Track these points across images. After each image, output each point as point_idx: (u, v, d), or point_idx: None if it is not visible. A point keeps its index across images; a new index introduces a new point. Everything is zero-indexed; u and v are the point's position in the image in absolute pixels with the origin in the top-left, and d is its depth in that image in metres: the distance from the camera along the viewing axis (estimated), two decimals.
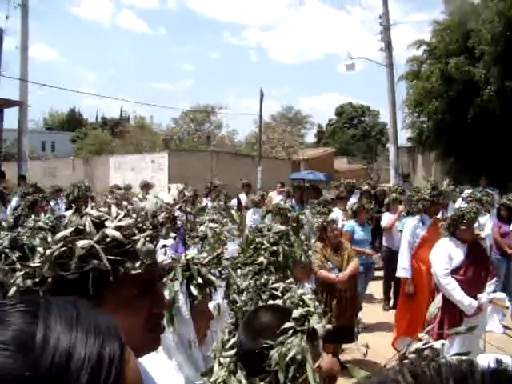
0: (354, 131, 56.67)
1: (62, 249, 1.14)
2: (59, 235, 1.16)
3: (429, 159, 21.70)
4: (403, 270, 6.14)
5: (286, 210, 5.83)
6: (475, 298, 4.92)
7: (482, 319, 5.18)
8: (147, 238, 1.19)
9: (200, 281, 1.92)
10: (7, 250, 2.59)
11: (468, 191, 10.77)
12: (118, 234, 1.16)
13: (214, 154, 25.17)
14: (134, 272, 1.16)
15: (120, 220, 1.20)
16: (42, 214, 3.23)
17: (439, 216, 6.72)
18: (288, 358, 1.54)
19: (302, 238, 3.48)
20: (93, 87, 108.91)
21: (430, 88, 16.85)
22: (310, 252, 3.40)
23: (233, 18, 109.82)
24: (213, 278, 1.98)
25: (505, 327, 7.12)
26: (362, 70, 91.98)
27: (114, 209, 1.24)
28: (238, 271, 2.65)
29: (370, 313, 7.73)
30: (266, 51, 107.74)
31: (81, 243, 1.13)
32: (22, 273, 1.19)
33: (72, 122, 54.95)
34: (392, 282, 8.17)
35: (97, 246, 1.13)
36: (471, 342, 4.68)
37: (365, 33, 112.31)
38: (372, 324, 7.31)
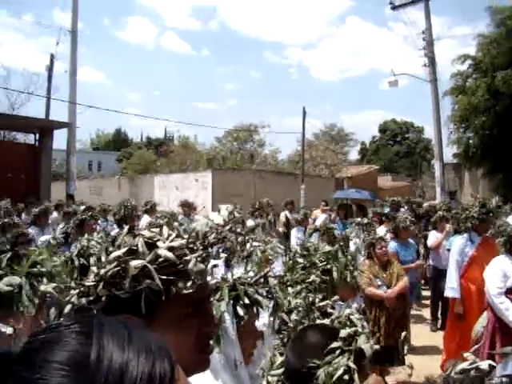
0: (398, 148, 55.97)
1: (116, 268, 1.17)
2: (113, 255, 1.19)
3: (476, 176, 21.19)
4: (452, 289, 5.99)
5: (332, 229, 5.80)
6: None
7: None
8: (198, 259, 1.22)
9: (246, 301, 1.92)
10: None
11: None
12: (170, 255, 1.19)
13: (257, 172, 25.30)
14: (185, 292, 1.17)
15: (172, 241, 1.22)
16: (95, 234, 3.32)
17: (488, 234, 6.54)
18: (335, 378, 1.54)
19: (349, 257, 3.46)
20: (138, 108, 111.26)
21: (476, 103, 16.54)
22: (355, 272, 3.35)
23: (274, 38, 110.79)
24: (260, 298, 1.96)
25: None
26: (405, 86, 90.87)
27: (165, 229, 1.27)
28: (290, 290, 2.63)
29: (417, 334, 7.57)
30: (308, 69, 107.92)
31: (134, 263, 1.16)
32: (76, 291, 1.23)
33: (118, 142, 56.41)
34: (440, 303, 7.98)
35: (149, 266, 1.16)
36: None
37: (407, 48, 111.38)
38: (419, 346, 7.14)
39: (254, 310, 1.96)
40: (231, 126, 40.15)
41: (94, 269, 1.23)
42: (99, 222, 8.20)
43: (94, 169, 47.26)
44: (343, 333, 1.66)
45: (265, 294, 2.06)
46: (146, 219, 9.51)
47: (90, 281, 1.20)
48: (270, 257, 4.76)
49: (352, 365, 1.57)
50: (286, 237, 10.09)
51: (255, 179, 23.36)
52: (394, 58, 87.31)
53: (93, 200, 18.27)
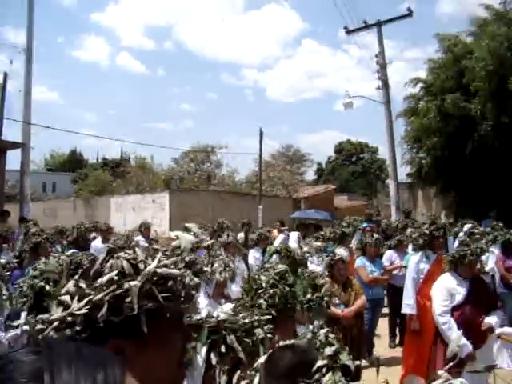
0: (354, 168, 57.03)
1: (118, 291, 1.15)
2: (105, 278, 1.18)
3: (429, 194, 21.76)
4: (408, 306, 6.10)
5: (293, 250, 5.85)
6: (478, 333, 4.86)
7: (490, 354, 5.14)
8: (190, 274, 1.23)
9: (223, 349, 1.79)
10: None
11: (468, 226, 10.83)
12: (174, 271, 1.20)
13: (215, 193, 25.34)
14: (179, 308, 1.19)
15: (159, 260, 1.23)
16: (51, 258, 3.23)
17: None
18: None
19: (306, 276, 3.47)
20: (93, 128, 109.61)
21: (427, 124, 17.05)
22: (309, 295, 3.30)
23: (230, 58, 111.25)
24: (239, 348, 1.80)
25: None
26: (360, 108, 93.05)
27: (138, 251, 1.27)
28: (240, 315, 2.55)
29: (376, 350, 7.67)
30: (264, 90, 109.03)
31: (133, 283, 1.15)
32: (56, 323, 1.16)
33: (73, 162, 55.35)
34: (398, 319, 8.12)
35: (150, 285, 1.16)
36: (481, 379, 4.61)
37: (362, 71, 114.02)
38: (376, 360, 7.21)
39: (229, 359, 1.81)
40: (188, 146, 40.19)
41: (66, 297, 1.18)
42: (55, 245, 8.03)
43: (48, 190, 46.10)
44: (328, 350, 1.68)
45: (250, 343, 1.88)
46: (98, 241, 9.38)
47: (80, 308, 1.15)
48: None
49: (344, 381, 1.57)
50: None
51: (213, 200, 23.34)
52: (349, 80, 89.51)
53: (47, 222, 17.83)
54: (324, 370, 1.58)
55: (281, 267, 2.93)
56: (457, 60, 16.53)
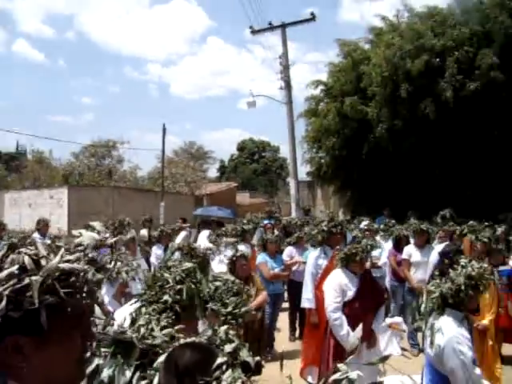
0: (256, 166, 57.81)
1: (17, 286, 1.13)
2: (5, 273, 1.15)
3: (328, 193, 22.58)
4: (307, 300, 6.27)
5: (196, 248, 5.87)
6: (366, 327, 5.08)
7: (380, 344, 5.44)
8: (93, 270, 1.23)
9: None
10: None
11: (365, 222, 11.47)
12: (76, 266, 1.19)
13: (116, 189, 24.67)
14: (80, 304, 1.18)
15: (62, 255, 1.22)
16: None
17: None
18: None
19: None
20: None
21: (327, 125, 17.66)
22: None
23: (134, 52, 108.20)
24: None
25: (403, 349, 7.53)
26: (263, 107, 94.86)
27: (40, 246, 1.25)
28: (143, 309, 2.51)
29: (276, 343, 7.87)
30: (168, 86, 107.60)
31: (34, 278, 1.13)
32: None
33: None
34: (297, 313, 8.37)
35: (52, 280, 1.15)
36: (374, 370, 4.85)
37: (266, 71, 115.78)
38: (279, 354, 7.41)
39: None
40: (88, 141, 38.74)
41: None
42: None
43: None
44: (228, 347, 1.70)
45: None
46: None
47: None
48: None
49: (244, 377, 1.58)
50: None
51: (114, 196, 22.74)
52: (253, 80, 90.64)
53: None
54: (224, 367, 1.58)
55: (188, 265, 2.93)
56: (355, 65, 17.29)
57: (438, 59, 14.81)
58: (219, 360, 1.59)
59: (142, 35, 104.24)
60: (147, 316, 2.34)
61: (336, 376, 1.62)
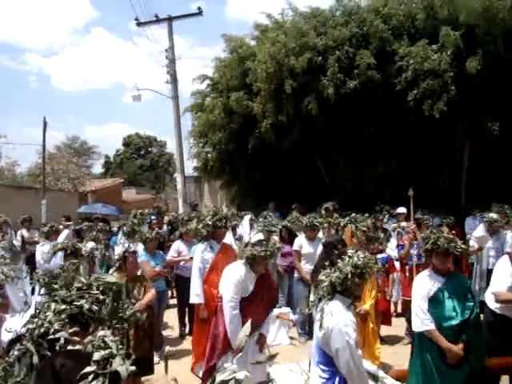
0: (142, 161, 56.78)
1: None
2: None
3: (215, 187, 22.64)
4: (196, 296, 6.27)
5: (79, 247, 5.67)
6: (257, 324, 5.06)
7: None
8: None
9: None
10: None
11: (248, 216, 11.74)
12: None
13: None
14: None
15: None
16: None
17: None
18: None
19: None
20: None
21: (213, 120, 17.67)
22: None
23: (11, 40, 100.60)
24: None
25: (291, 338, 7.74)
26: (149, 101, 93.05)
27: None
28: (52, 305, 2.36)
29: (168, 340, 7.77)
30: (49, 78, 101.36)
31: None
32: None
33: None
34: (186, 309, 8.29)
35: None
36: (262, 369, 4.82)
37: (152, 64, 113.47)
38: (171, 351, 7.30)
39: None
40: None
41: None
42: None
43: None
44: (97, 356, 1.60)
45: None
46: None
47: None
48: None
49: None
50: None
51: None
52: (139, 73, 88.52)
53: None
54: (90, 376, 1.52)
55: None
56: (241, 61, 17.41)
57: (320, 57, 15.28)
58: (87, 369, 1.53)
59: (20, 22, 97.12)
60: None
61: (223, 376, 1.61)
